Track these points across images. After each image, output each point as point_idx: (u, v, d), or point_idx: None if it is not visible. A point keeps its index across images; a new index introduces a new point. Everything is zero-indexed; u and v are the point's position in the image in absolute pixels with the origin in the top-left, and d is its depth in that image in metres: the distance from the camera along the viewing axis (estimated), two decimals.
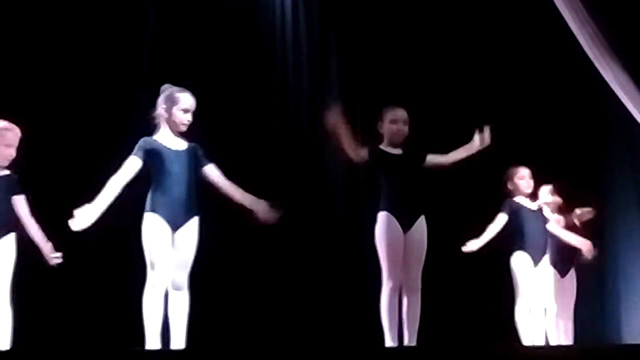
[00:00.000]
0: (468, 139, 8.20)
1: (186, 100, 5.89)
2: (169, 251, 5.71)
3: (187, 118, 5.88)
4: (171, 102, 5.88)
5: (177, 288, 5.75)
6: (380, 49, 8.53)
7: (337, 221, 8.33)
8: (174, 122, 5.87)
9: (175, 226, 5.72)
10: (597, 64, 7.27)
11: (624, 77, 7.17)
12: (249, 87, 8.21)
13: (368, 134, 7.61)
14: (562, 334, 7.73)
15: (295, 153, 8.29)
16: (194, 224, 5.80)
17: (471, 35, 8.63)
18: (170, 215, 5.71)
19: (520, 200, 7.49)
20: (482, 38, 8.63)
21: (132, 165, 5.76)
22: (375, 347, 6.38)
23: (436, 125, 8.08)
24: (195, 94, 6.00)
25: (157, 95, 5.97)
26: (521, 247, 7.34)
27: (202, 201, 5.91)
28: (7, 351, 5.57)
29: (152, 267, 5.69)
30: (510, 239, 7.40)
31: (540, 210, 7.56)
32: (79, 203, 6.94)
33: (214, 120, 7.62)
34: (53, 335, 6.98)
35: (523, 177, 7.51)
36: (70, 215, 5.63)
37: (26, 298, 6.33)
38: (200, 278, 6.05)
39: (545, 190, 7.78)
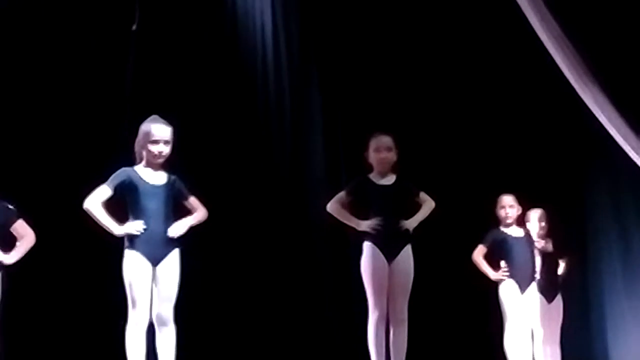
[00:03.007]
0: (454, 164, 8.35)
1: (157, 131, 5.78)
2: (149, 288, 5.65)
3: (159, 149, 5.77)
4: (144, 135, 5.80)
5: (162, 323, 5.70)
6: (362, 77, 8.53)
7: (323, 252, 8.30)
8: (149, 155, 5.80)
9: (155, 261, 5.67)
10: (577, 88, 7.26)
11: (604, 100, 7.16)
12: (230, 118, 8.18)
13: (350, 163, 7.67)
14: (549, 359, 7.71)
15: (279, 183, 8.26)
16: (174, 257, 5.74)
17: (452, 63, 8.63)
18: (149, 250, 5.65)
19: (506, 228, 7.49)
20: (466, 66, 8.63)
21: (101, 193, 5.71)
22: None
23: (422, 152, 8.11)
24: (177, 126, 5.94)
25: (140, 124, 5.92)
26: (508, 276, 7.33)
27: (184, 234, 5.86)
28: None
29: (134, 304, 5.64)
30: (497, 268, 7.40)
31: (527, 236, 7.55)
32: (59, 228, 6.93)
33: (196, 151, 7.61)
34: None
35: (503, 207, 7.54)
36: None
37: (11, 337, 6.27)
38: (187, 311, 6.00)
39: (534, 216, 7.79)
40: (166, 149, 5.80)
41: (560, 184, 8.54)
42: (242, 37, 8.47)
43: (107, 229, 5.71)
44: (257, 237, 8.03)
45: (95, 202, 5.69)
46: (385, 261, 6.33)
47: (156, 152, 5.77)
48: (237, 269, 7.90)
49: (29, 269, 6.94)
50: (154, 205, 5.71)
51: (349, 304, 7.77)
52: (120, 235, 5.70)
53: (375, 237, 6.35)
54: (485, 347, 7.69)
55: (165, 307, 5.70)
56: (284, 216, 8.16)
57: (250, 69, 8.45)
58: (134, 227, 5.65)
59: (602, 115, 7.18)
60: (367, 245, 6.39)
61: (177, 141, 5.92)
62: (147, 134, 5.78)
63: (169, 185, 5.82)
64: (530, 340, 7.49)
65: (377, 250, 6.34)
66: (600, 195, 8.60)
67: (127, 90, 7.73)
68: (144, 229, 5.65)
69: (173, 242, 5.74)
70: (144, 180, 5.75)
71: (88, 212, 5.71)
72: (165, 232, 5.70)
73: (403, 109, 8.37)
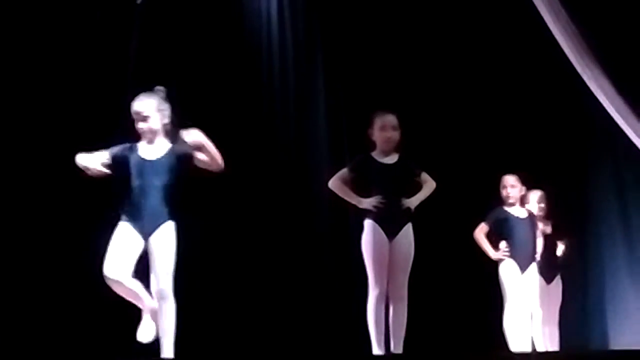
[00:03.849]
0: (457, 143, 8.36)
1: (134, 107, 5.77)
2: (135, 257, 5.58)
3: (139, 126, 5.74)
4: (132, 113, 5.80)
5: (161, 297, 5.62)
6: (367, 53, 8.51)
7: (323, 229, 8.31)
8: (138, 130, 5.78)
9: (147, 234, 5.61)
10: (580, 70, 7.29)
11: (606, 82, 7.19)
12: (235, 93, 8.16)
13: (354, 139, 7.68)
14: (547, 340, 7.74)
15: (280, 160, 8.28)
16: (166, 229, 5.64)
17: (458, 42, 8.63)
18: (140, 224, 5.61)
19: (509, 208, 7.52)
20: (469, 46, 8.63)
21: (97, 154, 5.71)
22: (363, 355, 6.39)
23: (426, 130, 8.12)
24: (181, 101, 5.93)
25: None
26: (508, 255, 7.36)
27: (188, 206, 5.87)
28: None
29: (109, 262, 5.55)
30: (498, 247, 7.43)
31: (529, 217, 7.57)
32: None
33: (199, 126, 7.59)
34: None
35: (505, 187, 7.56)
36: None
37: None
38: (190, 285, 6.00)
39: (534, 197, 7.81)
40: (145, 125, 5.74)
41: (562, 165, 8.57)
42: (247, 13, 8.44)
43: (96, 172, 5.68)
44: (259, 214, 8.04)
45: (87, 156, 5.67)
46: (386, 239, 6.33)
47: (139, 127, 5.76)
48: (239, 245, 7.90)
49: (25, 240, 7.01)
50: (145, 179, 5.65)
51: (349, 281, 7.78)
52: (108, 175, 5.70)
53: (376, 215, 6.34)
54: (484, 326, 7.70)
55: (162, 281, 5.60)
56: (286, 193, 8.17)
57: (255, 44, 8.43)
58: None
59: (603, 96, 7.22)
60: (368, 223, 6.39)
61: (181, 116, 5.89)
62: (132, 112, 5.78)
63: (167, 156, 5.74)
64: (530, 320, 7.50)
65: (378, 228, 6.34)
66: (602, 176, 8.63)
67: (131, 65, 7.71)
68: (137, 203, 5.62)
69: (164, 215, 5.65)
70: (139, 156, 5.71)
71: (79, 165, 5.67)
72: (157, 205, 5.63)
73: (406, 88, 8.36)
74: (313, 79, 8.58)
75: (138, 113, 5.75)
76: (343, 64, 8.54)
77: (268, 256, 7.99)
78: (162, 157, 5.75)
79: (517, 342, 7.25)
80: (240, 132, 8.09)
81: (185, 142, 5.79)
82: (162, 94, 5.84)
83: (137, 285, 5.61)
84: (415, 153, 6.68)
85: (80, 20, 7.64)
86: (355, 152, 7.01)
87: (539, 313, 7.59)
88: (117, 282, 5.53)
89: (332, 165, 7.40)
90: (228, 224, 7.87)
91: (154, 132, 5.76)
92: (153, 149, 5.77)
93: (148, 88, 5.95)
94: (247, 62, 8.32)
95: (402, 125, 6.54)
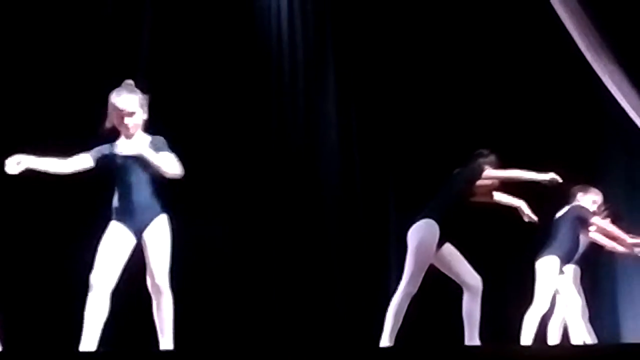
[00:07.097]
0: (469, 142, 8.37)
1: (119, 102, 5.54)
2: (124, 258, 5.49)
3: (125, 122, 5.55)
4: (110, 107, 5.58)
5: (158, 292, 5.51)
6: (376, 54, 8.56)
7: (334, 219, 8.38)
8: (119, 126, 5.61)
9: (139, 230, 5.51)
10: (593, 64, 7.27)
11: (619, 75, 7.17)
12: (245, 93, 8.21)
13: (363, 138, 7.72)
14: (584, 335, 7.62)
15: (291, 158, 8.35)
16: (159, 223, 5.54)
17: (469, 38, 8.63)
18: (132, 220, 5.51)
19: None
20: (480, 41, 8.63)
21: (79, 160, 5.59)
22: (370, 347, 6.42)
23: (436, 131, 8.16)
24: (192, 99, 5.90)
25: (153, 96, 5.78)
26: (550, 252, 7.31)
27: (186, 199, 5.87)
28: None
29: (97, 270, 5.43)
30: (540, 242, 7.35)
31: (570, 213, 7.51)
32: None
33: (210, 124, 7.69)
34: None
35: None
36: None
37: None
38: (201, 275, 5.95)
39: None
40: (131, 120, 5.57)
41: (575, 162, 8.50)
42: (258, 12, 8.50)
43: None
44: (270, 206, 8.14)
45: (65, 164, 5.54)
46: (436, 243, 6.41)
47: (124, 123, 5.57)
48: (249, 234, 7.98)
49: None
50: (127, 175, 5.52)
51: (358, 275, 7.84)
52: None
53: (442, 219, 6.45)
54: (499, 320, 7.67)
55: (157, 275, 5.49)
56: (294, 189, 8.25)
57: (265, 44, 8.49)
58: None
59: (618, 92, 7.20)
60: (430, 224, 6.43)
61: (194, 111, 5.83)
62: (112, 106, 5.58)
63: (148, 150, 5.54)
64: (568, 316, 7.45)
65: (438, 232, 6.40)
66: (615, 168, 8.60)
67: (143, 56, 7.80)
68: (126, 200, 5.52)
69: (155, 209, 5.53)
70: (118, 153, 5.55)
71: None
72: (144, 200, 5.51)
73: (416, 81, 8.43)
74: (323, 70, 8.63)
75: (123, 109, 5.53)
76: (353, 55, 8.58)
77: (278, 249, 8.09)
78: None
79: (532, 338, 7.19)
80: (251, 124, 8.17)
81: (162, 142, 5.64)
82: (133, 87, 5.65)
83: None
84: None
85: (89, 15, 7.70)
86: (365, 151, 6.94)
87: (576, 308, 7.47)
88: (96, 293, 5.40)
89: (341, 160, 7.42)
90: (240, 214, 7.95)
91: (136, 128, 5.61)
92: (129, 144, 5.57)
93: (159, 80, 5.87)
94: (257, 58, 8.37)
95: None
